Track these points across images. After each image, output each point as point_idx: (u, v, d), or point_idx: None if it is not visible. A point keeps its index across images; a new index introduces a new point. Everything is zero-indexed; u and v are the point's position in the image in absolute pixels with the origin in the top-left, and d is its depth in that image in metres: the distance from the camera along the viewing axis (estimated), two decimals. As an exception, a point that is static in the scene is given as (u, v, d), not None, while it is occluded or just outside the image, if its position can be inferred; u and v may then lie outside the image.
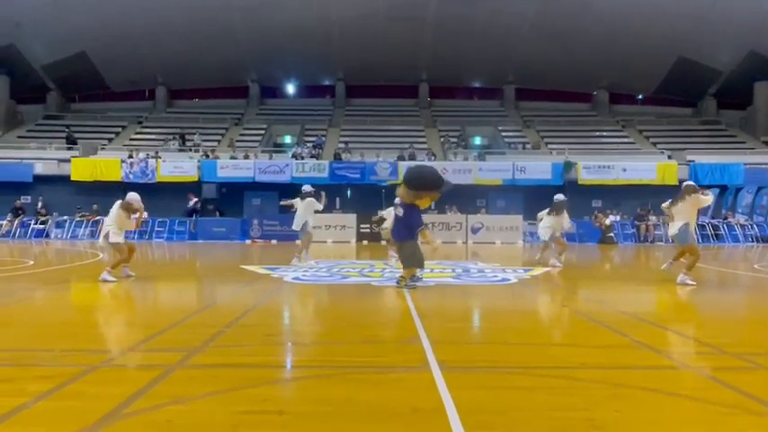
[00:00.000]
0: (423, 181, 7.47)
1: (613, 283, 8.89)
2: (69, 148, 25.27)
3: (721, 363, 3.66)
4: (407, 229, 7.40)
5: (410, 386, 3.07)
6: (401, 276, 7.42)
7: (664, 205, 8.63)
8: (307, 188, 11.52)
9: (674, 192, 25.73)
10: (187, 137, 27.22)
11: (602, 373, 3.39)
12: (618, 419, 2.59)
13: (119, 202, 8.56)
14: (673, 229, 8.31)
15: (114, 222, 8.37)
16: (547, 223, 11.07)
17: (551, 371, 3.42)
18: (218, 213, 23.09)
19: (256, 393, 2.94)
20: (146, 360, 3.68)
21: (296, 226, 11.30)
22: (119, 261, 8.35)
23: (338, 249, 16.17)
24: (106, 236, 8.40)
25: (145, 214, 8.96)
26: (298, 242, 11.66)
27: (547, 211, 11.21)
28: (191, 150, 25.64)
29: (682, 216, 8.13)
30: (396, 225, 7.67)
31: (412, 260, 7.38)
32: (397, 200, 7.97)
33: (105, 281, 7.85)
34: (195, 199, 22.33)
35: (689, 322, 5.47)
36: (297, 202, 11.42)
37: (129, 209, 8.42)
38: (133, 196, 8.62)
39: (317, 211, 11.55)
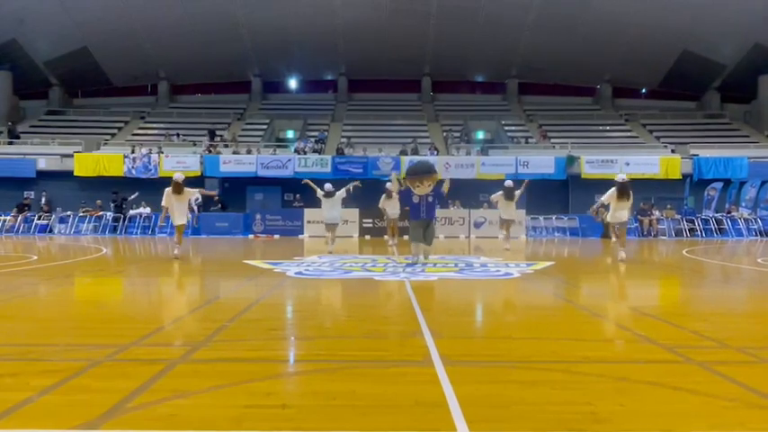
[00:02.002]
0: (426, 168, 9.56)
1: (615, 278, 8.88)
2: (10, 143, 25.35)
3: (724, 356, 3.66)
4: (435, 210, 9.62)
5: (413, 380, 3.07)
6: (424, 255, 9.49)
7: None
8: (329, 187, 12.68)
9: (677, 186, 25.43)
10: (217, 132, 27.35)
11: (604, 366, 3.39)
12: (621, 413, 2.59)
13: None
14: (624, 216, 10.24)
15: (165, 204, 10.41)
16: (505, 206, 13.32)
17: (554, 365, 3.42)
18: (220, 206, 22.99)
19: (260, 387, 2.94)
20: (149, 354, 3.70)
21: (335, 219, 12.85)
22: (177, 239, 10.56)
23: (341, 244, 16.18)
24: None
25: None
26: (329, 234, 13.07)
27: (502, 194, 13.25)
28: (207, 146, 25.60)
29: (627, 206, 10.17)
30: (428, 207, 9.39)
31: (434, 235, 9.70)
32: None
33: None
34: (197, 195, 22.28)
35: (691, 316, 5.47)
36: (322, 197, 12.66)
37: (175, 188, 10.26)
38: (177, 176, 10.57)
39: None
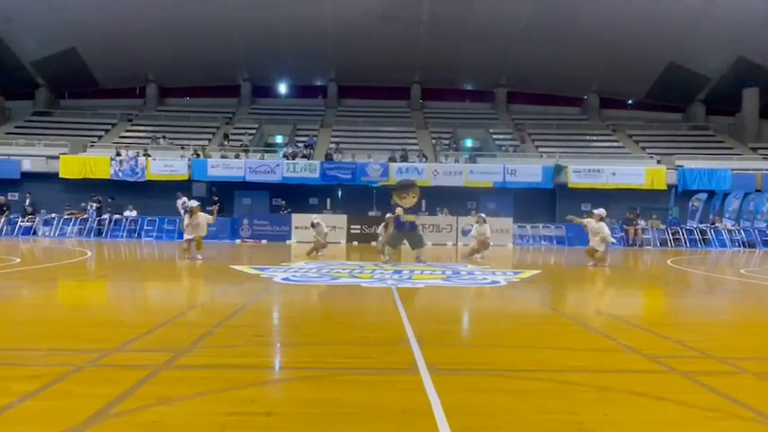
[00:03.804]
0: (410, 182, 12.33)
1: (601, 287, 8.94)
2: None
3: (707, 367, 3.70)
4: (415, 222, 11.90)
5: (399, 388, 3.07)
6: (418, 256, 11.39)
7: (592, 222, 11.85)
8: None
9: (662, 196, 25.73)
10: (231, 135, 27.27)
11: (589, 376, 3.41)
12: (605, 422, 2.61)
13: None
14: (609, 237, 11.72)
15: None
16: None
17: (539, 374, 3.43)
18: (216, 208, 22.66)
19: (244, 394, 2.93)
20: (133, 360, 3.66)
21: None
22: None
23: (328, 250, 16.12)
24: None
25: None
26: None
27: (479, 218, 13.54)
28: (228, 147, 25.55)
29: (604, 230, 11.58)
30: (411, 222, 11.61)
31: (422, 241, 12.02)
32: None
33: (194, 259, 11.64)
34: (184, 198, 22.09)
35: (675, 326, 5.52)
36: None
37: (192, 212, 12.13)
38: (191, 202, 12.72)
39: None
